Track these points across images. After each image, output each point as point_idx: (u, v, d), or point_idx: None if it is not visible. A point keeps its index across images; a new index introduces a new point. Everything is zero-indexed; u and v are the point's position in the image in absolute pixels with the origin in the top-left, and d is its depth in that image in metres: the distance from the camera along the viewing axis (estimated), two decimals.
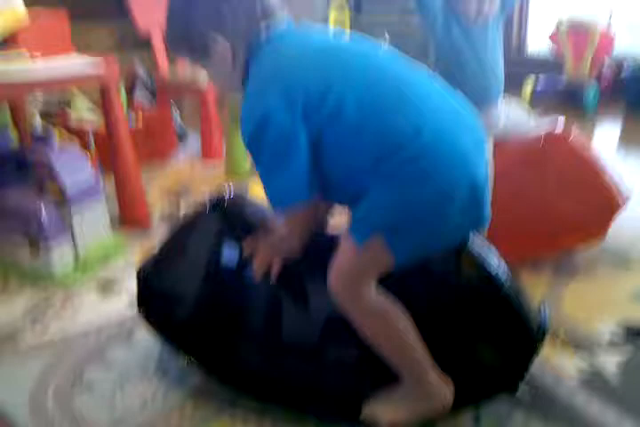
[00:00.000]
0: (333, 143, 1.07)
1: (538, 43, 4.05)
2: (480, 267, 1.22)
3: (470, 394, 1.21)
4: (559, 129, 1.85)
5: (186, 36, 1.15)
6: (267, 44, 1.12)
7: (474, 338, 1.20)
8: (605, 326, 1.53)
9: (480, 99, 1.60)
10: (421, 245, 1.11)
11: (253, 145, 1.09)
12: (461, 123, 1.12)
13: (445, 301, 1.19)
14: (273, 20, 1.13)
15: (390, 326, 1.12)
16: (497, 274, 1.23)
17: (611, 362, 1.41)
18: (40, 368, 1.43)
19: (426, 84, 1.14)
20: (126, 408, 1.30)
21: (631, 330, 1.51)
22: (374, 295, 1.12)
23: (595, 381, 1.35)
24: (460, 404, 1.20)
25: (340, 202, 1.20)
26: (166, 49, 1.31)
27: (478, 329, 1.20)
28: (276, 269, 1.21)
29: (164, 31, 1.22)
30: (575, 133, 1.85)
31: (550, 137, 1.81)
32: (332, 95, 1.05)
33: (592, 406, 1.27)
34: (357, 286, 1.11)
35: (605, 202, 1.80)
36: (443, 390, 1.17)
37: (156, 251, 1.41)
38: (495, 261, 1.23)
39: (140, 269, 1.40)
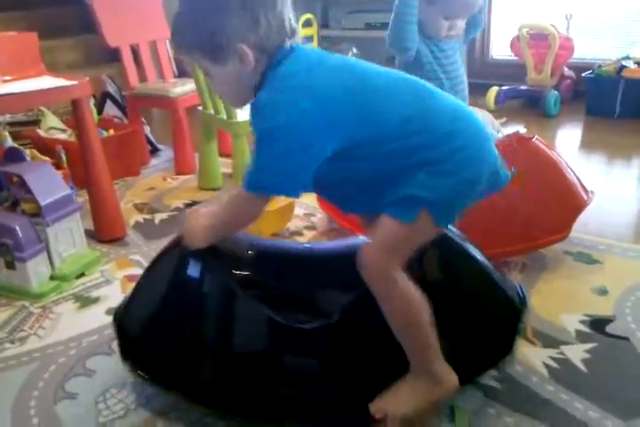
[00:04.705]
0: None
1: (501, 49, 4.14)
2: (462, 251, 1.35)
3: (471, 367, 1.26)
4: (523, 133, 1.93)
5: (210, 42, 1.12)
6: (287, 56, 1.15)
7: (467, 312, 1.28)
8: (571, 320, 1.59)
9: None
10: (457, 210, 1.21)
11: (271, 130, 1.11)
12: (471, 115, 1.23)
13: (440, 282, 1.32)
14: (294, 40, 1.17)
15: (414, 310, 1.16)
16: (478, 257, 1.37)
17: (577, 353, 1.46)
18: (21, 380, 1.44)
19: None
20: (109, 416, 1.32)
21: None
22: (405, 279, 1.17)
23: (563, 372, 1.40)
24: (464, 378, 1.23)
25: (361, 193, 1.22)
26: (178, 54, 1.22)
27: (469, 303, 1.30)
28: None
29: (178, 32, 1.17)
30: (538, 137, 1.92)
31: (519, 139, 1.88)
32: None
33: (560, 396, 1.32)
34: (395, 265, 1.16)
35: (569, 200, 1.86)
36: (450, 375, 1.20)
37: (128, 295, 1.42)
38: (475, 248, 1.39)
39: (114, 316, 1.40)
